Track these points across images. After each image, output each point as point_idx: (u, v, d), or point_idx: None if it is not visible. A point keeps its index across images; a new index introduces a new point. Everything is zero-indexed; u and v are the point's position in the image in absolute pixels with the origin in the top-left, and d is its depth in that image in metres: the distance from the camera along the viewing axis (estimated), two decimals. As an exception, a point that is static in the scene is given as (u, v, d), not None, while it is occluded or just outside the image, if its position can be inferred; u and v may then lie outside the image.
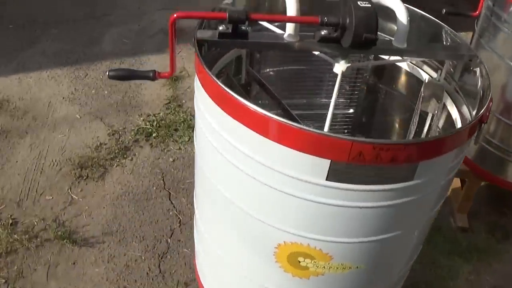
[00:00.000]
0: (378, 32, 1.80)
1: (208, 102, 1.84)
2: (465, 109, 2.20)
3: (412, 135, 2.37)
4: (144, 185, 3.52)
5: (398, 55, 2.14)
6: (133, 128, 3.84)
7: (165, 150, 3.76)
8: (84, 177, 3.51)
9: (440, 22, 2.26)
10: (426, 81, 2.29)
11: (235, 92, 1.69)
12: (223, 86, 1.70)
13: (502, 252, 3.36)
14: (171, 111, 4.01)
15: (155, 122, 3.90)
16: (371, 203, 1.77)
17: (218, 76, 2.21)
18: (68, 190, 3.42)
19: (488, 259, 3.35)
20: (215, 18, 1.86)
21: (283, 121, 1.62)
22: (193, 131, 3.88)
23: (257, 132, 1.69)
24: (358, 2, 1.82)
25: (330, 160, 1.65)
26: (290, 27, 1.93)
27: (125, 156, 3.67)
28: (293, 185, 1.75)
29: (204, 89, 1.85)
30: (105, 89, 4.21)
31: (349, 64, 2.03)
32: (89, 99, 4.10)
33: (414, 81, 2.43)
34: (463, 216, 3.56)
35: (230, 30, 1.86)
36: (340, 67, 2.02)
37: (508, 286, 3.24)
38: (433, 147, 1.70)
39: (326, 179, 1.70)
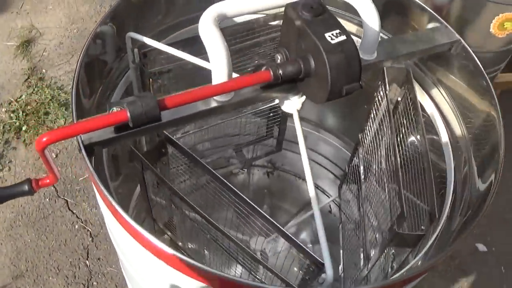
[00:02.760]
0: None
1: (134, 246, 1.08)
2: (439, 96, 1.55)
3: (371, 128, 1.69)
4: (34, 199, 2.66)
5: (367, 70, 1.38)
6: (-3, 126, 2.86)
7: (44, 144, 2.84)
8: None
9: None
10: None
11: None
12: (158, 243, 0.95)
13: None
14: (34, 90, 2.98)
15: (21, 111, 2.91)
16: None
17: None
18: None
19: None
20: (110, 125, 1.01)
21: None
22: (66, 109, 2.94)
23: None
24: (327, 36, 1.05)
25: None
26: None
27: (0, 167, 2.73)
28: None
29: (124, 228, 1.07)
30: None
31: (304, 98, 1.28)
32: None
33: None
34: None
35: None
36: (293, 105, 1.28)
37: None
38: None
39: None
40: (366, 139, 1.75)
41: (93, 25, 3.39)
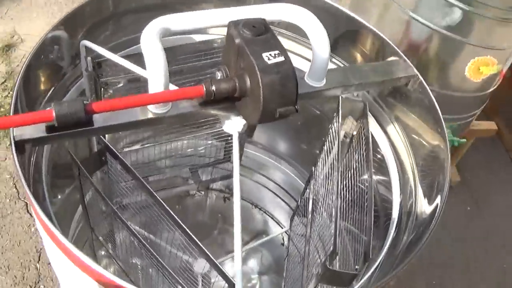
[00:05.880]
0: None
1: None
2: (393, 132, 1.53)
3: (324, 162, 1.66)
4: (-5, 197, 2.63)
5: (315, 98, 1.37)
6: (-34, 125, 2.82)
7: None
8: None
9: (360, 20, 1.50)
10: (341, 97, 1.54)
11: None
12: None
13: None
14: (10, 93, 2.98)
15: (-6, 112, 2.89)
16: None
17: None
18: None
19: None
20: (35, 123, 1.00)
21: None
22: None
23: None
24: (265, 55, 1.03)
25: None
26: (157, 96, 1.11)
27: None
28: None
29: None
30: None
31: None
32: None
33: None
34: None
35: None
36: (234, 126, 1.25)
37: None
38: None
39: None
40: (318, 171, 1.73)
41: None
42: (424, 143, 1.43)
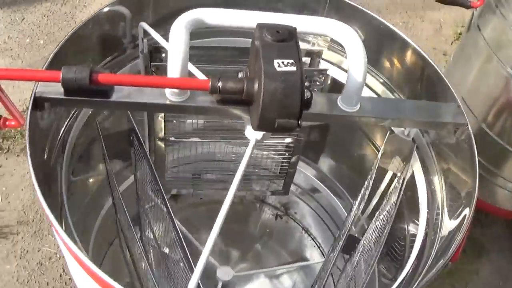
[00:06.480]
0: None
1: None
2: (436, 182, 1.43)
3: (364, 199, 1.58)
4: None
5: (345, 122, 1.31)
6: (67, 89, 3.02)
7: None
8: (5, 150, 2.75)
9: (416, 47, 1.42)
10: (389, 133, 1.46)
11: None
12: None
13: (471, 272, 2.63)
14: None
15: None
16: None
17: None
18: (-15, 164, 2.71)
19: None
20: (42, 80, 1.05)
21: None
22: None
23: None
24: (276, 62, 1.00)
25: None
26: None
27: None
28: None
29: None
30: (41, 38, 3.29)
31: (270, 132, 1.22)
32: (22, 50, 3.20)
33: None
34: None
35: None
36: (253, 132, 1.21)
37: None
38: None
39: None
40: (355, 206, 1.66)
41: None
42: (457, 192, 1.33)
